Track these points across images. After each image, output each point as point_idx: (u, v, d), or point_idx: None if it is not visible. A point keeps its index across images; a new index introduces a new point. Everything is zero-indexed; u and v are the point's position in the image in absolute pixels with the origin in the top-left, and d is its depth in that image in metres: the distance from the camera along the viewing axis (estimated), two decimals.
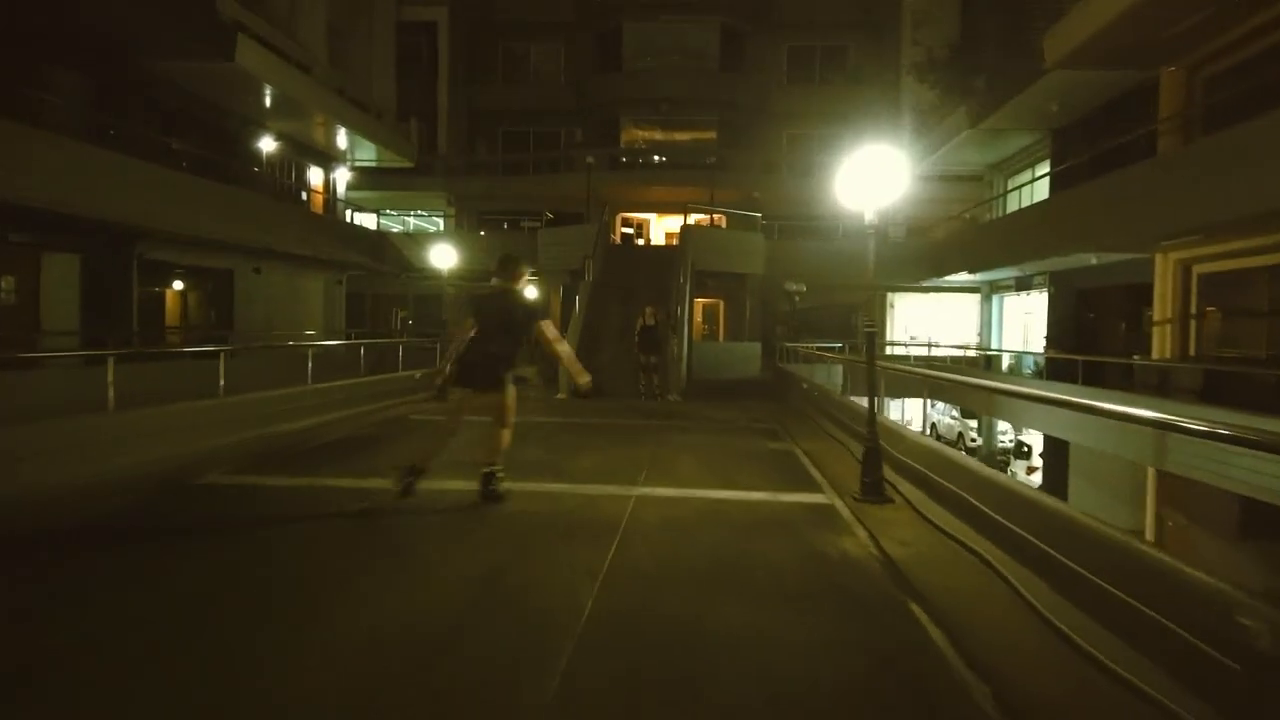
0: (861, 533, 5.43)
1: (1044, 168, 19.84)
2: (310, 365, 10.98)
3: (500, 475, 6.02)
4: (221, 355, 9.06)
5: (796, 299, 25.02)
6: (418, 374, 12.99)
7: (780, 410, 13.08)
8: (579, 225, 20.65)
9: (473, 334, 5.80)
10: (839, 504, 6.25)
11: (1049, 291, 19.31)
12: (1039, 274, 20.68)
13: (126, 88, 15.82)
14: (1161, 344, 14.39)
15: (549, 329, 5.99)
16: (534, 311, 6.02)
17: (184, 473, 6.81)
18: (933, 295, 29.98)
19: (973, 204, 24.43)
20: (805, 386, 13.06)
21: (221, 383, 8.75)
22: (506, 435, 6.02)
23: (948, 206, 27.53)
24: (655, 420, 11.25)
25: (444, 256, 13.73)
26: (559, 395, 14.65)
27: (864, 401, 6.71)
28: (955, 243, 23.49)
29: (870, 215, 6.29)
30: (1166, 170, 12.56)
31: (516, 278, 6.10)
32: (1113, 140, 14.83)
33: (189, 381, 11.27)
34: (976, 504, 5.37)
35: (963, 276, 23.77)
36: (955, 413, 23.70)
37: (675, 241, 22.83)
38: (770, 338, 23.39)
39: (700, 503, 6.19)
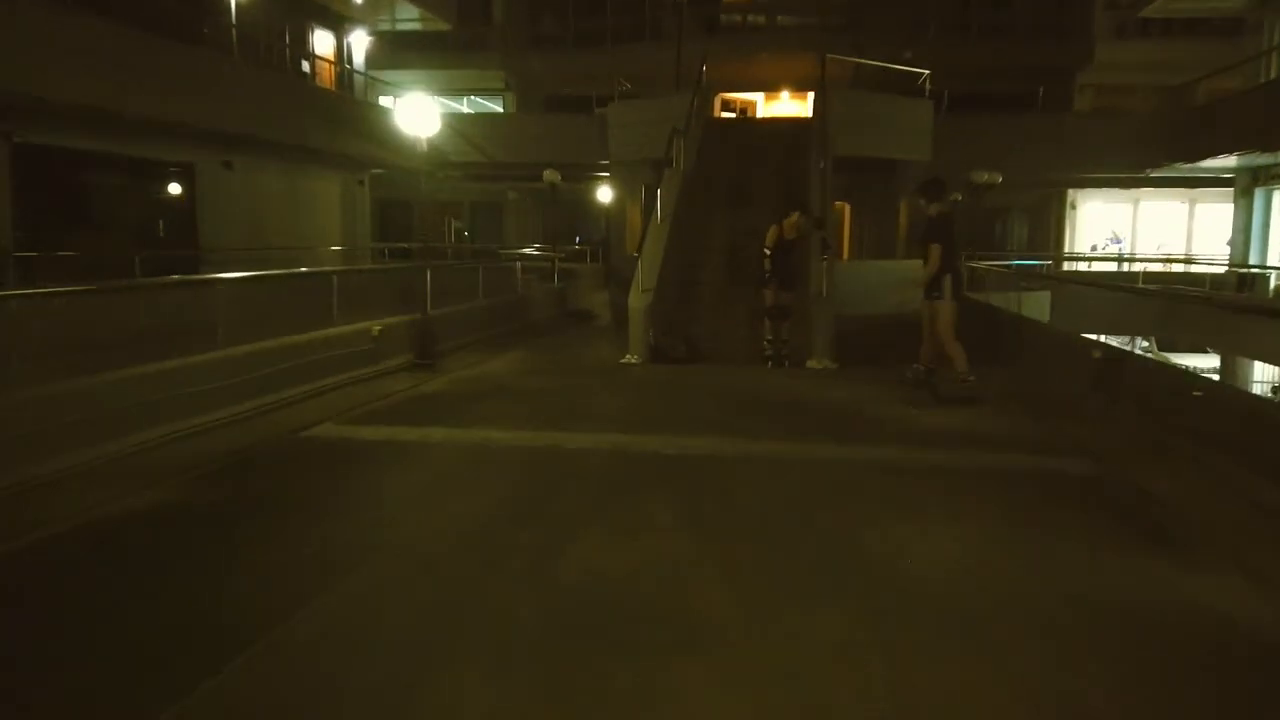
0: None
1: None
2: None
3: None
4: None
5: (958, 198, 18.26)
6: (375, 328, 7.41)
7: (1030, 389, 7.11)
8: (665, 97, 14.45)
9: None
10: None
11: None
12: None
13: None
14: None
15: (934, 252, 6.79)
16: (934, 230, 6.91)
17: None
18: (1132, 194, 22.81)
19: (1225, 64, 17.07)
20: (1097, 355, 6.74)
21: None
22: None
23: (1160, 74, 20.36)
24: (816, 444, 5.40)
25: (418, 120, 8.00)
26: (627, 358, 8.91)
27: None
28: (1214, 111, 16.30)
29: None
30: None
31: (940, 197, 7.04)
32: None
33: None
34: None
35: (1207, 164, 16.79)
36: (1146, 343, 16.80)
37: (807, 114, 16.35)
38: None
39: None
